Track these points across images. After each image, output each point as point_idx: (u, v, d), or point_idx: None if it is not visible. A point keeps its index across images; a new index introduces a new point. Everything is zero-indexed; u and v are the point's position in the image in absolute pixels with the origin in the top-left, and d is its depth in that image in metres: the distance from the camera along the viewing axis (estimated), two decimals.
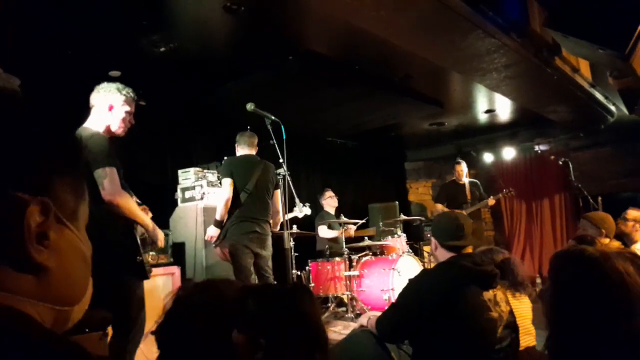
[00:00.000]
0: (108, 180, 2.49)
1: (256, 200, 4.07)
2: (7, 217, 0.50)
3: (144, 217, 2.69)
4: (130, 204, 2.60)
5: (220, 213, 4.03)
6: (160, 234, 2.80)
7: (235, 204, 4.05)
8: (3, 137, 0.51)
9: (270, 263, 4.19)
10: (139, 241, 2.64)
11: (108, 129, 2.71)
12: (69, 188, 0.57)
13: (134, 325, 2.60)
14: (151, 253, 4.13)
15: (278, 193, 4.29)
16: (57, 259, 0.54)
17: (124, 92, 2.75)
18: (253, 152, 4.30)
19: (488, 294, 2.04)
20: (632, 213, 3.60)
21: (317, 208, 6.34)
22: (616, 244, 2.82)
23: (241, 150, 4.28)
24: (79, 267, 0.59)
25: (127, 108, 2.76)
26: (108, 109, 2.70)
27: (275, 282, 4.76)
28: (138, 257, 2.61)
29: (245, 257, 3.96)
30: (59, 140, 0.58)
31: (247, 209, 4.02)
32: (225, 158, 4.32)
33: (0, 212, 0.49)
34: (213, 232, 4.10)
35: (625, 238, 3.49)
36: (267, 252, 4.12)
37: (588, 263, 1.29)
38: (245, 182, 4.05)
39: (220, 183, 4.43)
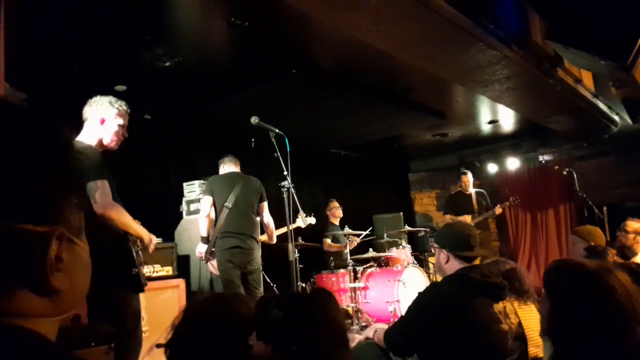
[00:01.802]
0: (100, 193, 2.49)
1: (237, 215, 4.17)
2: (30, 251, 0.53)
3: (138, 228, 2.70)
4: (123, 216, 2.60)
5: (201, 230, 4.23)
6: (152, 243, 2.82)
7: (218, 220, 4.18)
8: (16, 170, 0.54)
9: (258, 277, 4.23)
10: (134, 253, 2.65)
11: (100, 142, 2.71)
12: (75, 207, 0.60)
13: (131, 339, 2.60)
14: (155, 266, 4.15)
15: (264, 206, 4.36)
16: (69, 278, 0.58)
17: (116, 106, 2.74)
18: (236, 168, 4.41)
19: (498, 306, 2.03)
20: (632, 225, 3.46)
21: (321, 220, 6.33)
22: (616, 256, 2.79)
23: (225, 168, 4.41)
24: (84, 275, 0.63)
25: (120, 121, 2.75)
26: (100, 122, 2.70)
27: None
28: (134, 270, 2.61)
29: (231, 271, 4.07)
30: (65, 163, 0.60)
31: (228, 225, 4.15)
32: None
33: (24, 245, 0.53)
34: (201, 248, 4.29)
35: (626, 250, 3.38)
36: (254, 266, 4.17)
37: (589, 277, 1.30)
38: (225, 199, 4.16)
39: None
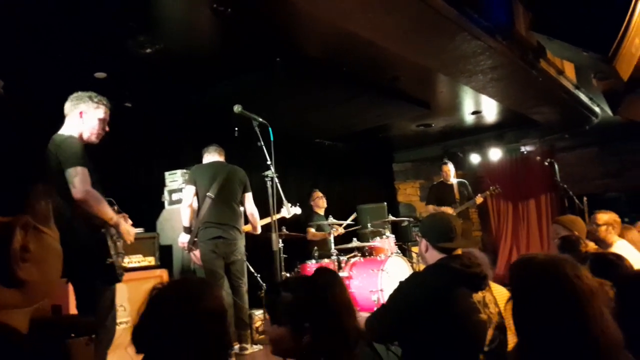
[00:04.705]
0: (79, 178, 2.53)
1: (220, 205, 4.14)
2: None
3: (114, 215, 2.71)
4: (100, 204, 2.63)
5: (184, 219, 4.20)
6: (130, 234, 2.81)
7: (201, 210, 4.13)
8: None
9: (242, 267, 4.22)
10: (109, 243, 2.64)
11: (81, 137, 2.75)
12: (42, 195, 0.59)
13: (101, 329, 2.61)
14: (137, 256, 4.11)
15: (248, 196, 4.34)
16: (37, 268, 0.57)
17: (95, 100, 2.79)
18: (220, 158, 4.36)
19: (477, 296, 2.05)
20: (601, 217, 3.46)
21: (306, 210, 6.33)
22: (592, 245, 2.82)
23: (209, 157, 4.37)
24: (55, 264, 0.62)
25: (100, 115, 2.80)
26: (79, 115, 2.74)
27: (265, 284, 4.75)
28: (108, 259, 2.61)
29: (214, 262, 4.05)
30: (33, 153, 0.59)
31: (210, 215, 4.11)
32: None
33: None
34: (183, 239, 4.24)
35: (600, 243, 3.40)
36: (237, 256, 4.15)
37: (537, 270, 1.34)
38: (208, 189, 4.13)
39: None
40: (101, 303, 2.64)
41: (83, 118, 2.75)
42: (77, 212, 2.52)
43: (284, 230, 5.38)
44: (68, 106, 2.77)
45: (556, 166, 6.25)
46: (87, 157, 2.66)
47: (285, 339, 1.37)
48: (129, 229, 2.80)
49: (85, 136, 2.75)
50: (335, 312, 1.39)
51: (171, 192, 4.92)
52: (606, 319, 1.22)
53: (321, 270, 1.56)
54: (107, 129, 2.85)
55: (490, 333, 2.02)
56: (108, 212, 2.66)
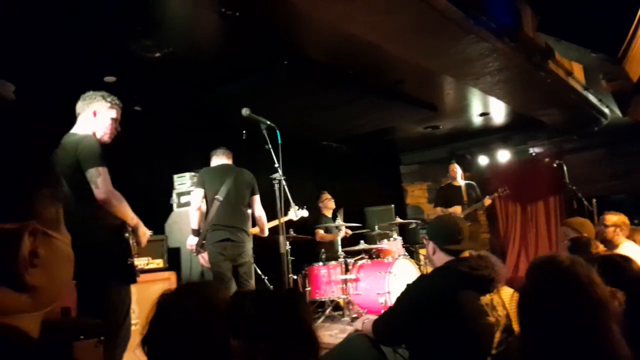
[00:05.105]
0: (102, 179, 2.55)
1: (228, 208, 4.14)
2: (3, 249, 0.52)
3: (134, 216, 2.73)
4: (123, 204, 2.65)
5: (192, 222, 4.21)
6: (145, 235, 2.84)
7: (209, 213, 4.15)
8: None
9: (250, 270, 4.22)
10: (130, 243, 2.66)
11: (94, 136, 2.75)
12: (49, 200, 0.59)
13: (120, 330, 2.63)
14: (146, 258, 4.13)
15: (256, 199, 4.34)
16: (47, 273, 0.57)
17: (108, 100, 2.80)
18: (227, 161, 4.38)
19: (485, 299, 2.04)
20: (610, 218, 3.47)
21: (313, 212, 6.33)
22: (601, 247, 2.80)
23: (217, 160, 4.38)
24: (65, 268, 0.62)
25: (113, 114, 2.81)
26: (92, 115, 2.75)
27: (272, 286, 4.76)
28: (129, 259, 2.63)
29: (222, 265, 4.05)
30: (39, 157, 0.59)
31: (219, 217, 4.12)
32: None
33: None
34: (192, 241, 4.26)
35: (607, 244, 3.39)
36: (245, 259, 4.16)
37: (561, 269, 1.33)
38: (216, 191, 4.14)
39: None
40: (121, 303, 2.65)
41: (97, 117, 2.75)
42: (97, 212, 2.54)
43: (292, 232, 5.40)
44: (80, 105, 2.77)
45: (565, 168, 6.21)
46: (105, 156, 2.67)
47: (237, 353, 1.27)
48: (145, 231, 2.83)
49: (98, 135, 2.76)
50: (293, 339, 1.29)
51: (180, 194, 4.95)
52: (615, 334, 1.21)
53: (291, 292, 1.52)
54: (119, 129, 2.87)
55: (497, 336, 2.01)
56: (129, 212, 2.68)
